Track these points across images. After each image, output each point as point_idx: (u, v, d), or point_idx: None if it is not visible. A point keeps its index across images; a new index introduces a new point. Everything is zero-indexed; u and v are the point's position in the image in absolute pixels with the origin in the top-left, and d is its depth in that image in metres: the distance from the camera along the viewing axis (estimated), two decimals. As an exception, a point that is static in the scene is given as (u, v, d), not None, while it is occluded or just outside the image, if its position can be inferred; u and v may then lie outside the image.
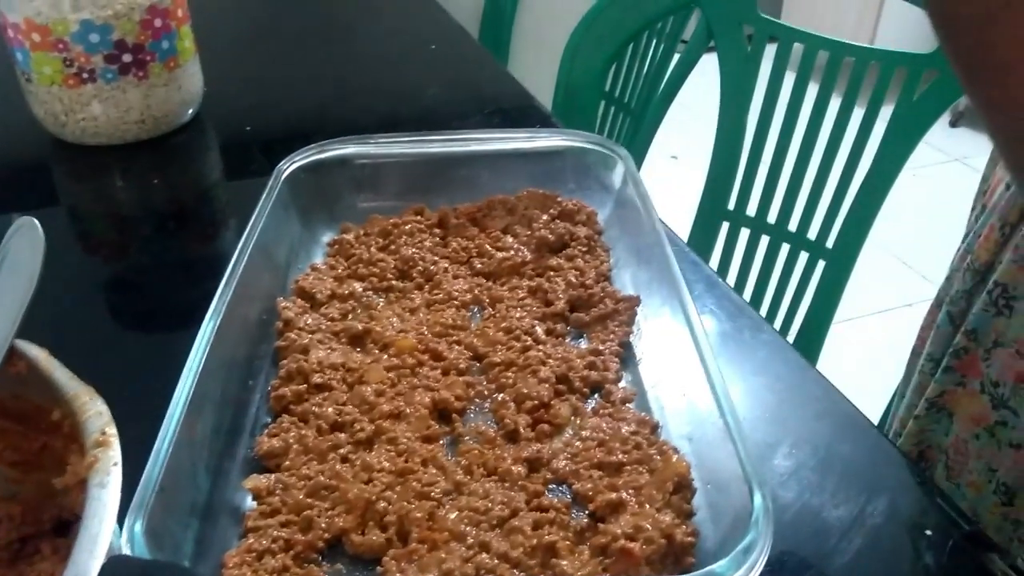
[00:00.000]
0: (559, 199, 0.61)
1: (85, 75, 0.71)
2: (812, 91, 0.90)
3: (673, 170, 2.18)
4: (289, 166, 0.59)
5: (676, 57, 1.08)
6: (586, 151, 0.62)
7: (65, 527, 0.35)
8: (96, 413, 0.29)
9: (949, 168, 2.38)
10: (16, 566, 0.34)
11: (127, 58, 0.72)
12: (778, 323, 0.98)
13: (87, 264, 0.65)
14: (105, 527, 0.25)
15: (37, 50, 0.70)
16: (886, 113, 0.86)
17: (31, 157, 0.77)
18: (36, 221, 0.35)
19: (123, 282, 0.64)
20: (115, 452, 0.28)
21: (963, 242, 0.64)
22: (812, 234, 0.94)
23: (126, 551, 0.31)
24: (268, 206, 0.54)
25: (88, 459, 0.28)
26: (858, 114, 0.89)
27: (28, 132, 0.77)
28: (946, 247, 0.66)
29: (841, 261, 0.91)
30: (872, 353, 1.59)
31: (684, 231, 0.98)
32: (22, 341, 0.33)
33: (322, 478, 0.40)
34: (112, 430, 0.29)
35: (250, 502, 0.40)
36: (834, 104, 0.89)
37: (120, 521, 0.31)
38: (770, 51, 0.91)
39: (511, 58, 1.56)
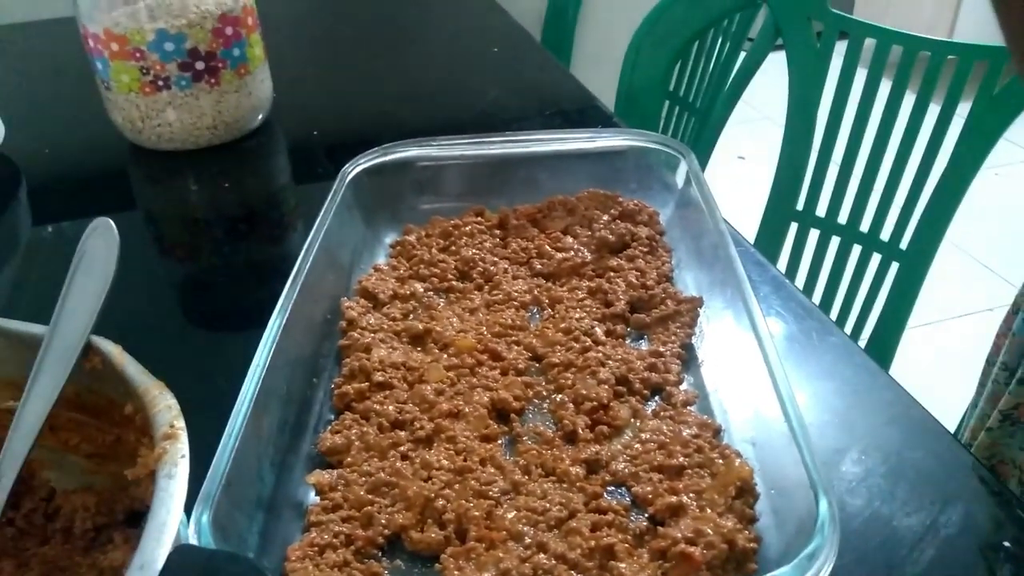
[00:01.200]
0: (620, 199, 0.61)
1: (160, 83, 0.74)
2: (884, 88, 0.88)
3: (740, 171, 2.14)
4: (353, 169, 0.60)
5: (742, 56, 1.06)
6: (648, 151, 0.62)
7: (137, 518, 0.36)
8: (165, 407, 0.30)
9: (1033, 167, 2.28)
10: (90, 554, 0.35)
11: (200, 66, 0.74)
12: (849, 327, 0.95)
13: (160, 265, 0.67)
14: (172, 517, 0.26)
15: (116, 59, 0.73)
16: (963, 109, 0.83)
17: (109, 162, 0.81)
18: (111, 222, 0.36)
19: (194, 282, 0.66)
20: (183, 445, 0.29)
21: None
22: (885, 235, 0.91)
23: (193, 542, 0.32)
24: (333, 208, 0.55)
25: (157, 451, 0.29)
26: (934, 110, 0.86)
27: (106, 138, 0.80)
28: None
29: (916, 263, 0.88)
30: (950, 359, 1.53)
31: (751, 233, 0.96)
32: (97, 337, 0.34)
33: (382, 475, 0.40)
34: (180, 423, 0.30)
35: (313, 497, 0.41)
36: (908, 101, 0.86)
37: (188, 512, 0.32)
38: (840, 47, 0.89)
39: (573, 60, 1.56)
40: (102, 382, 0.35)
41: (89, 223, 0.35)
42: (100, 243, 0.36)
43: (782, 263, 0.98)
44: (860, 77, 0.89)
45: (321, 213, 0.55)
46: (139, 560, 0.24)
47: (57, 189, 0.77)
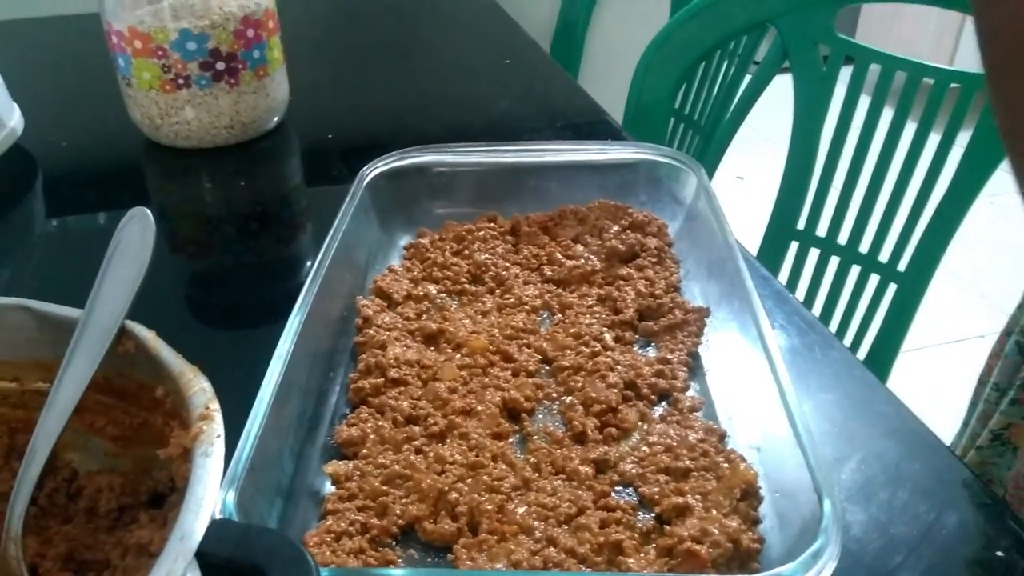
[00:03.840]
0: (630, 210, 0.62)
1: (181, 81, 0.75)
2: (887, 112, 0.90)
3: (739, 191, 2.17)
4: (371, 172, 0.61)
5: (747, 78, 1.08)
6: (658, 164, 0.63)
7: (160, 500, 0.37)
8: (200, 389, 0.31)
9: (1029, 197, 2.30)
10: (115, 532, 0.36)
11: (220, 66, 0.75)
12: (846, 345, 0.96)
13: (172, 261, 0.68)
14: (209, 492, 0.27)
15: (138, 56, 0.74)
16: (963, 137, 0.85)
17: (126, 158, 0.82)
18: (148, 211, 0.37)
19: (206, 278, 0.67)
20: (218, 425, 0.30)
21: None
22: (884, 256, 0.93)
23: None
24: (351, 210, 0.57)
25: (193, 430, 0.30)
26: (935, 136, 0.87)
27: (125, 134, 0.81)
28: (1024, 282, 0.65)
29: (913, 285, 0.90)
30: (942, 384, 1.55)
31: (751, 251, 0.98)
32: (132, 322, 0.35)
33: (397, 467, 0.42)
34: (215, 405, 0.31)
35: (329, 487, 0.42)
36: (910, 126, 0.88)
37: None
38: (845, 72, 0.91)
39: (581, 73, 1.58)
40: (133, 366, 0.36)
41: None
42: (136, 231, 0.37)
43: (782, 280, 0.99)
44: (864, 102, 0.91)
45: (340, 214, 0.56)
46: (179, 532, 0.25)
47: (73, 182, 0.78)
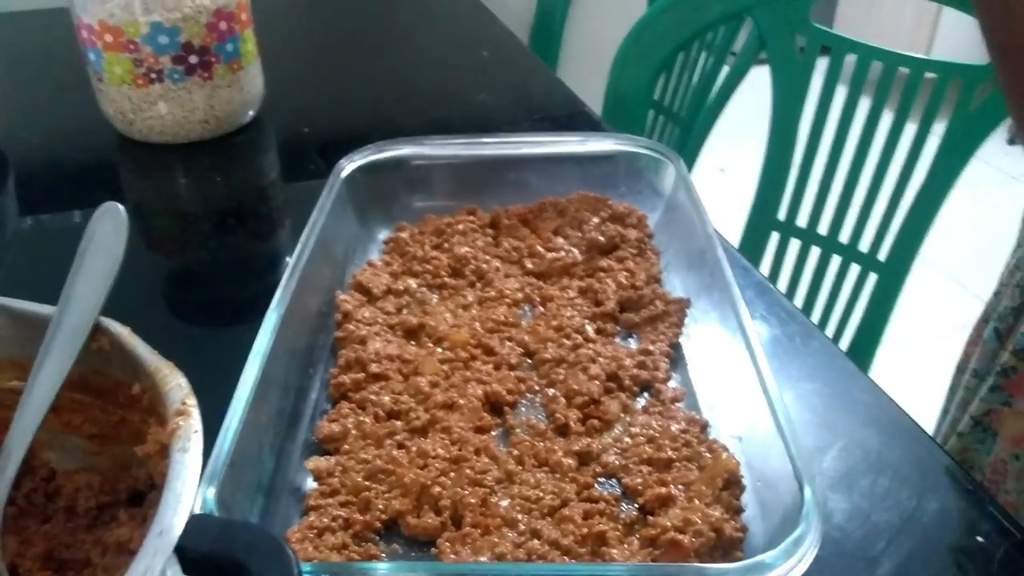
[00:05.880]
0: (610, 202, 0.62)
1: (153, 75, 0.74)
2: (864, 102, 0.90)
3: (720, 183, 2.18)
4: (347, 165, 0.61)
5: (725, 69, 1.08)
6: (637, 155, 0.63)
7: (139, 498, 0.36)
8: (176, 385, 0.31)
9: (1006, 188, 2.33)
10: (94, 531, 0.35)
11: (193, 59, 0.74)
12: (828, 336, 0.97)
13: (148, 257, 0.68)
14: (187, 488, 0.27)
15: (109, 50, 0.73)
16: (939, 127, 0.86)
17: (99, 154, 0.81)
18: (120, 206, 0.37)
19: (182, 275, 0.67)
20: (196, 421, 0.29)
21: (1012, 257, 0.63)
22: (864, 246, 0.93)
23: (198, 518, 0.33)
24: (328, 204, 0.56)
25: (170, 426, 0.29)
26: (911, 126, 0.88)
27: (97, 130, 0.80)
28: (1001, 268, 0.66)
29: (893, 274, 0.91)
30: (923, 375, 1.56)
31: (732, 242, 0.98)
32: (106, 318, 0.35)
33: (379, 462, 0.41)
34: (192, 401, 0.30)
35: (311, 483, 0.41)
36: (887, 117, 0.89)
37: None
38: (822, 63, 0.91)
39: (560, 66, 1.58)
40: (108, 363, 0.35)
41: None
42: (109, 226, 0.36)
43: (764, 271, 1.00)
44: (841, 92, 0.91)
45: (316, 208, 0.55)
46: (157, 527, 0.25)
47: (46, 179, 0.77)
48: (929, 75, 0.87)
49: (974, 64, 0.84)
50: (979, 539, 0.42)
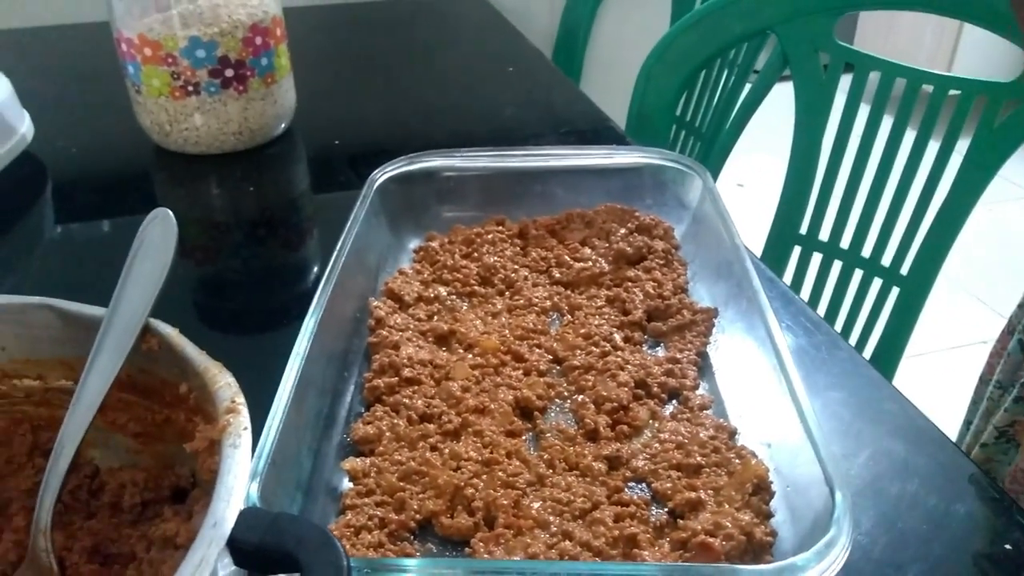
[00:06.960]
0: (636, 213, 0.63)
1: (190, 88, 0.76)
2: (888, 120, 0.91)
3: (739, 198, 2.18)
4: (380, 176, 0.62)
5: (748, 86, 1.09)
6: (664, 168, 0.64)
7: (182, 495, 0.38)
8: (226, 384, 0.32)
9: (1026, 205, 2.32)
10: (138, 527, 0.37)
11: (229, 73, 0.76)
12: (849, 348, 0.97)
13: (183, 265, 0.69)
14: (239, 481, 0.28)
15: (148, 64, 0.75)
16: (963, 144, 0.86)
17: (136, 164, 0.83)
18: (170, 212, 0.38)
19: (215, 283, 0.68)
20: (244, 418, 0.30)
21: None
22: (886, 260, 0.93)
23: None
24: (361, 213, 0.57)
25: (221, 423, 0.30)
26: (934, 142, 0.88)
27: (134, 141, 0.82)
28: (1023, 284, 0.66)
29: (916, 288, 0.91)
30: (944, 389, 1.55)
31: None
32: (155, 320, 0.36)
33: (413, 464, 0.42)
34: (241, 399, 0.31)
35: (347, 483, 0.42)
36: (910, 133, 0.89)
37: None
38: (845, 80, 0.92)
39: (582, 81, 1.59)
40: (156, 363, 0.36)
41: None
42: (158, 232, 0.38)
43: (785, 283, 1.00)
44: (864, 109, 0.92)
45: (351, 218, 0.57)
46: (211, 519, 0.26)
47: (83, 189, 0.79)
48: (953, 92, 0.87)
49: (998, 81, 0.84)
50: (1007, 547, 0.42)
